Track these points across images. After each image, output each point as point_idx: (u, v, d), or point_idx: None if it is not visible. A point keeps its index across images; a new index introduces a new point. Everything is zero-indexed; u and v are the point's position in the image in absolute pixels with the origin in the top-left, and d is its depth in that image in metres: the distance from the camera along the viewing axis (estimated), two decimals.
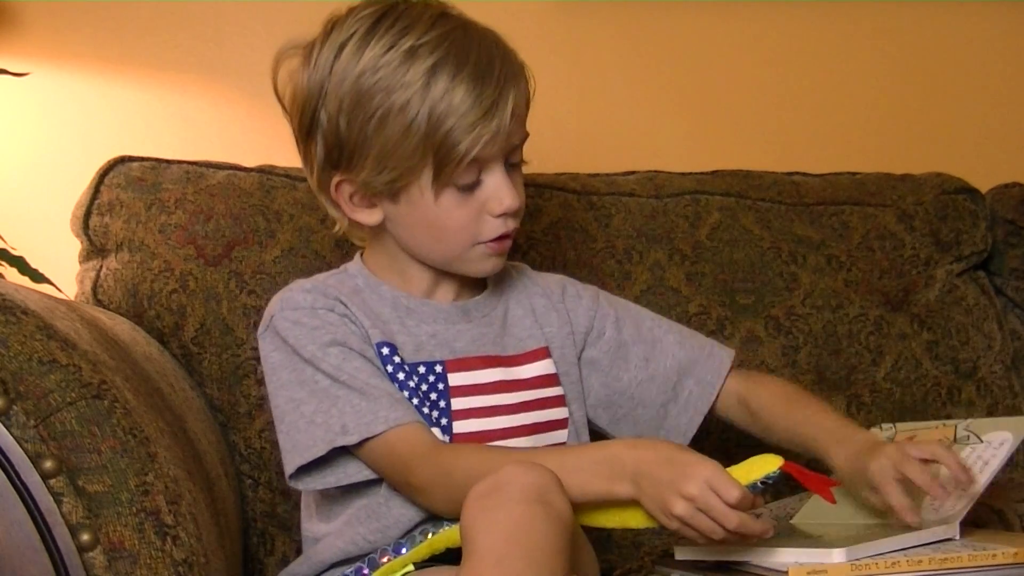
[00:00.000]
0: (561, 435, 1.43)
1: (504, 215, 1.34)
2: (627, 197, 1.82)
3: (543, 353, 1.44)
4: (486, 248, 1.36)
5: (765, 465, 1.22)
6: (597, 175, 1.86)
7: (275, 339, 1.36)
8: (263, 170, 1.72)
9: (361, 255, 1.45)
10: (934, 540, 1.23)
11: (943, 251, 1.89)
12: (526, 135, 1.37)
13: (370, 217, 1.37)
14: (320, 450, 1.31)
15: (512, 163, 1.36)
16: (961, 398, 1.83)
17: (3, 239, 1.63)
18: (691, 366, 1.50)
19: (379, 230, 1.39)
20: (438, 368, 1.38)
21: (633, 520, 1.25)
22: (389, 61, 1.29)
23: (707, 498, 1.18)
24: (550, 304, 1.48)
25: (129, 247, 1.63)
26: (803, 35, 2.13)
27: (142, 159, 1.69)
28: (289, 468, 1.34)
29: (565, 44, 2.05)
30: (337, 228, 1.43)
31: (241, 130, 1.95)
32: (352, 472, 1.34)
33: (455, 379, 1.39)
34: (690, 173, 1.89)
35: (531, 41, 2.07)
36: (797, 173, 1.94)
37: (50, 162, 1.90)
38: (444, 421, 1.37)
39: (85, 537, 1.12)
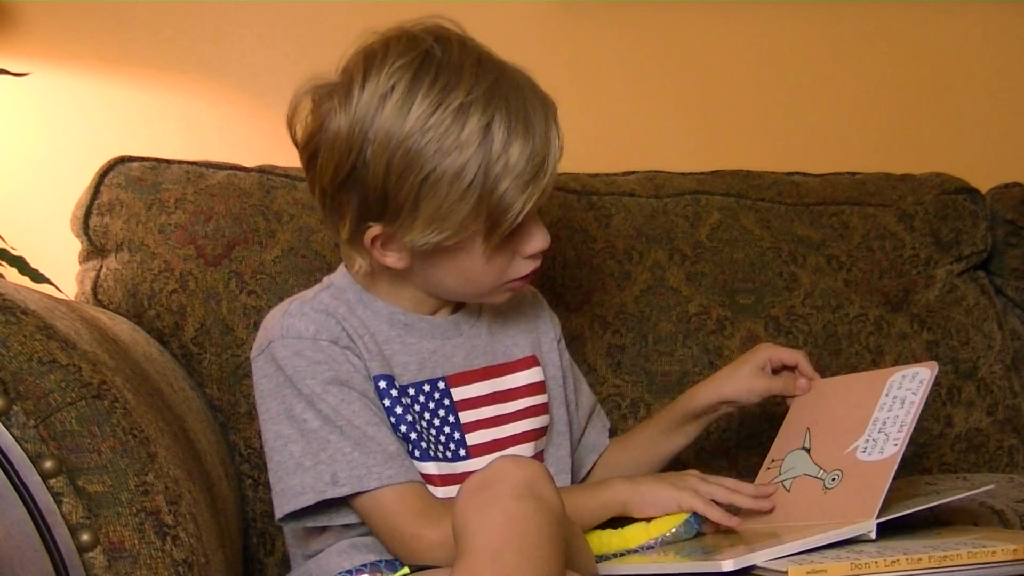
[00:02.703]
0: (543, 443, 1.46)
1: (533, 256, 1.35)
2: (627, 197, 1.82)
3: (532, 361, 1.46)
4: (509, 285, 1.37)
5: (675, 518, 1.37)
6: (597, 175, 1.86)
7: (269, 366, 1.32)
8: (263, 170, 1.72)
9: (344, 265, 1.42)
10: (846, 538, 1.23)
11: (943, 251, 1.89)
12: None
13: (399, 262, 1.33)
14: (310, 499, 1.29)
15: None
16: (961, 398, 1.83)
17: (3, 239, 1.64)
18: (594, 416, 1.59)
19: (401, 271, 1.35)
20: (441, 384, 1.38)
21: (634, 538, 1.34)
22: (440, 121, 1.26)
23: (708, 483, 1.38)
24: (534, 312, 1.51)
25: (129, 247, 1.63)
26: (803, 35, 2.13)
27: (142, 159, 1.69)
28: (278, 512, 1.31)
29: (565, 44, 2.05)
30: (357, 268, 1.36)
31: (241, 130, 1.95)
32: (345, 513, 1.32)
33: (458, 393, 1.39)
34: (690, 173, 1.89)
35: (531, 41, 2.08)
36: (797, 173, 1.94)
37: (50, 162, 1.90)
38: (457, 435, 1.37)
39: (85, 537, 1.12)
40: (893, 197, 1.91)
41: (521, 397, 1.43)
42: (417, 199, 1.27)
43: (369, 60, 1.31)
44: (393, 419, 1.33)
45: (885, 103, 2.15)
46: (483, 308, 1.45)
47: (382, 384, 1.33)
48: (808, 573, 1.14)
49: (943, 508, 1.44)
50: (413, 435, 1.33)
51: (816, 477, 1.38)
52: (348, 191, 1.30)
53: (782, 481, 1.41)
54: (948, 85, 2.17)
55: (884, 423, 1.36)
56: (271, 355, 1.32)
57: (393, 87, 1.28)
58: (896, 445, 1.32)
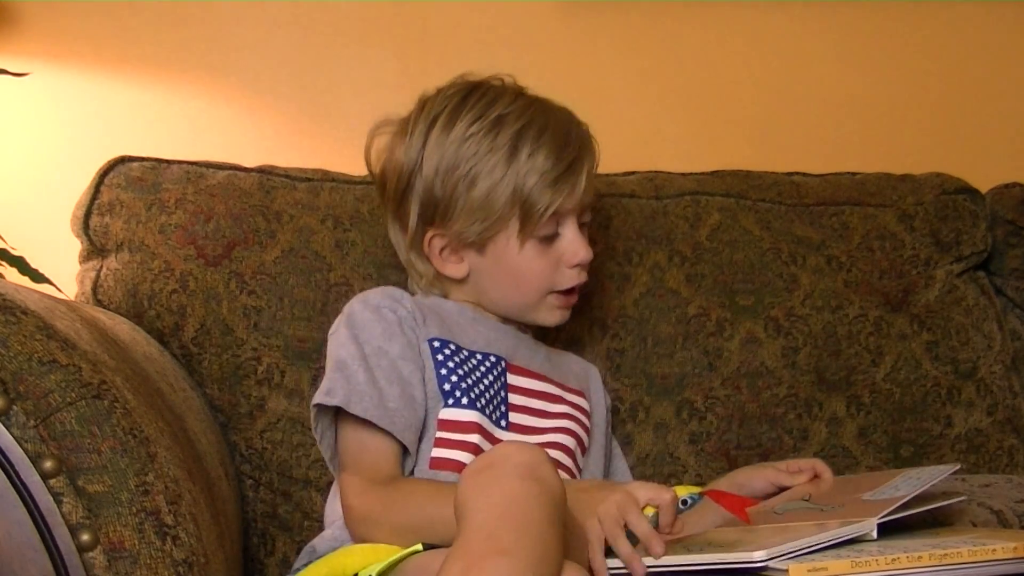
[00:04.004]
0: (582, 462, 1.52)
1: (578, 266, 1.51)
2: (627, 199, 1.82)
3: (581, 394, 1.57)
4: (556, 299, 1.53)
5: (687, 489, 1.37)
6: (597, 175, 1.86)
7: (343, 321, 1.48)
8: (263, 170, 1.72)
9: None
10: (847, 537, 1.21)
11: (943, 251, 1.89)
12: (595, 197, 1.56)
13: (458, 270, 1.52)
14: (311, 406, 1.42)
15: (582, 222, 1.53)
16: (961, 398, 1.83)
17: (3, 239, 1.64)
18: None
19: (461, 282, 1.54)
20: (502, 364, 1.49)
21: None
22: (479, 129, 1.48)
23: (616, 526, 1.24)
24: (587, 373, 1.63)
25: (129, 247, 1.63)
26: (803, 35, 2.13)
27: (142, 159, 1.69)
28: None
29: (565, 44, 2.05)
30: (424, 282, 1.55)
31: (241, 130, 1.95)
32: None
33: (512, 379, 1.50)
34: (690, 173, 1.89)
35: (531, 41, 2.08)
36: (797, 173, 1.93)
37: (50, 162, 1.90)
38: (503, 408, 1.47)
39: (85, 537, 1.12)
40: (893, 197, 1.91)
41: (568, 406, 1.53)
42: (460, 195, 1.47)
43: (424, 98, 1.54)
44: (444, 371, 1.45)
45: (885, 103, 2.15)
46: (544, 344, 1.59)
47: (436, 344, 1.47)
48: (809, 571, 1.14)
49: (942, 509, 1.44)
50: (464, 384, 1.45)
51: (812, 509, 1.35)
52: (408, 201, 1.52)
53: (772, 509, 1.38)
54: (948, 85, 2.17)
55: (896, 487, 1.35)
56: (347, 312, 1.48)
57: (444, 108, 1.50)
58: (906, 493, 1.29)
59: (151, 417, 1.23)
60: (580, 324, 1.73)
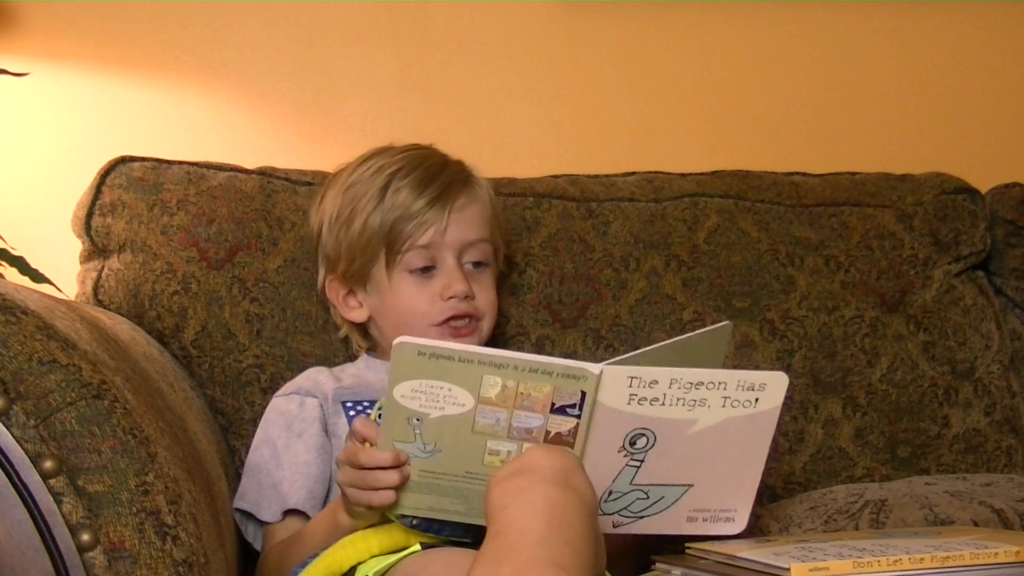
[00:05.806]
0: None
1: (453, 298, 1.53)
2: (626, 202, 1.82)
3: None
4: (441, 332, 1.54)
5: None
6: (596, 176, 1.86)
7: (262, 419, 1.55)
8: (263, 172, 1.72)
9: None
10: (574, 367, 1.24)
11: (942, 251, 1.89)
12: (483, 238, 1.58)
13: (359, 314, 1.59)
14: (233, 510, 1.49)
15: (474, 263, 1.57)
16: (958, 399, 1.83)
17: (3, 239, 1.63)
18: None
19: (370, 328, 1.60)
20: None
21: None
22: (363, 178, 1.57)
23: (347, 453, 1.29)
24: None
25: (132, 247, 1.63)
26: (803, 35, 2.13)
27: (143, 159, 1.68)
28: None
29: (565, 44, 2.05)
30: (343, 331, 1.63)
31: (241, 130, 1.95)
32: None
33: None
34: (689, 174, 1.89)
35: (531, 41, 2.07)
36: (797, 173, 1.93)
37: (51, 162, 1.90)
38: None
39: (85, 537, 1.12)
40: (893, 197, 1.91)
41: None
42: (342, 238, 1.56)
43: (339, 167, 1.63)
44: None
45: (885, 103, 2.15)
46: None
47: (348, 404, 1.52)
48: (811, 571, 1.14)
49: (942, 508, 1.44)
50: None
51: None
52: (318, 254, 1.61)
53: None
54: (948, 85, 2.17)
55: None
56: (266, 411, 1.55)
57: (345, 168, 1.61)
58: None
59: (151, 417, 1.23)
60: (575, 337, 1.73)
